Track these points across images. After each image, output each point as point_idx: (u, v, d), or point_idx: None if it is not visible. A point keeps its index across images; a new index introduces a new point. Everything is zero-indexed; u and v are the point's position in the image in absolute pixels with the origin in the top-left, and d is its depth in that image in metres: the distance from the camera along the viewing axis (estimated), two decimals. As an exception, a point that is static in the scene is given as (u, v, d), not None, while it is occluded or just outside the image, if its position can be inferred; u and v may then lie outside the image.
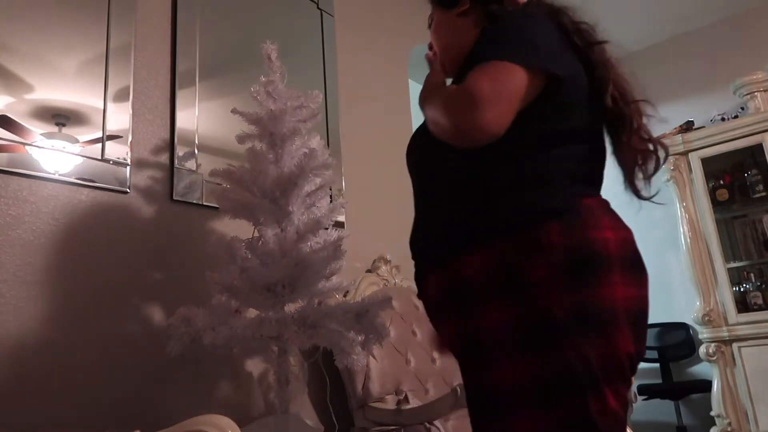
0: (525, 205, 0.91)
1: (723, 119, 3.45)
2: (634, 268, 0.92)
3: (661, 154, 1.01)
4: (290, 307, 1.48)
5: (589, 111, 0.98)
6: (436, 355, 2.18)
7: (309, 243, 1.52)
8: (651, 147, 1.00)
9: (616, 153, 1.03)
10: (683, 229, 3.37)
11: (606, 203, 0.98)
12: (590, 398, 0.83)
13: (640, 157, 1.01)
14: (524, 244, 0.87)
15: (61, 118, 1.52)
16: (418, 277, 1.05)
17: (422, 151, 1.08)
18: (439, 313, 1.01)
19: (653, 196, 1.03)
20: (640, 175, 1.02)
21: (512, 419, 0.86)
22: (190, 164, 1.81)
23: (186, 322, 1.39)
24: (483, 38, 0.98)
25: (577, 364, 0.83)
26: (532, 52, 0.91)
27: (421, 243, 1.04)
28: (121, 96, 1.67)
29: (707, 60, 3.83)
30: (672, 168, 3.44)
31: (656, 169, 1.01)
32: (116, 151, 1.62)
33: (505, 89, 0.87)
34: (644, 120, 1.00)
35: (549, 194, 0.91)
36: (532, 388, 0.84)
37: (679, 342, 3.61)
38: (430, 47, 1.21)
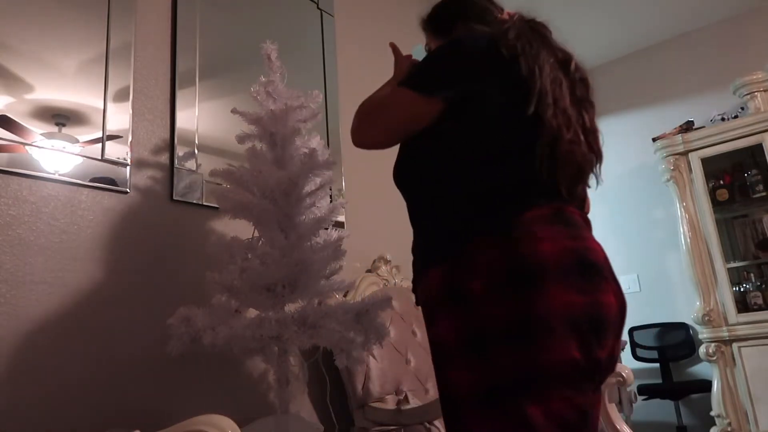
0: (461, 225, 0.99)
1: (723, 119, 3.45)
2: (581, 276, 0.93)
3: (593, 166, 1.07)
4: (290, 307, 1.48)
5: (523, 124, 1.00)
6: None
7: (309, 243, 1.52)
8: (577, 158, 1.02)
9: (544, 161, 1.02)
10: (683, 229, 3.37)
11: (552, 213, 0.98)
12: (527, 404, 0.88)
13: (566, 166, 1.01)
14: (462, 262, 0.96)
15: (61, 118, 1.52)
16: (413, 287, 1.15)
17: (396, 178, 1.20)
18: (424, 320, 1.10)
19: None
20: (565, 183, 1.03)
21: (462, 421, 0.94)
22: (190, 164, 1.81)
23: (186, 322, 1.39)
24: None
25: (507, 370, 0.89)
26: (426, 77, 1.09)
27: (414, 254, 1.14)
28: (121, 96, 1.67)
29: (707, 60, 3.83)
30: (672, 168, 3.44)
31: (579, 179, 1.05)
32: (116, 151, 1.62)
33: (386, 109, 1.13)
34: (570, 132, 1.01)
35: (481, 213, 0.98)
36: (475, 394, 0.92)
37: (679, 342, 3.62)
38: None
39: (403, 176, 1.18)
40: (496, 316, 0.90)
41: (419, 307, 1.09)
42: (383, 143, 1.16)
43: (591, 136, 1.07)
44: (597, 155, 1.09)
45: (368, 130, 1.17)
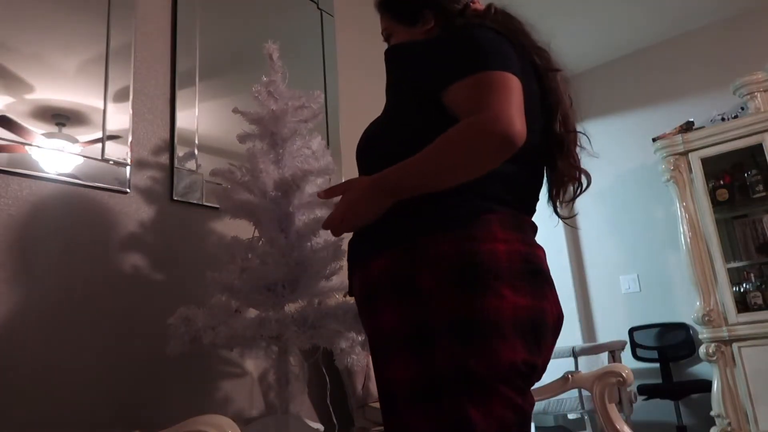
0: (423, 216, 0.94)
1: (723, 119, 3.45)
2: (529, 280, 0.93)
3: (584, 180, 1.09)
4: (290, 307, 1.48)
5: (535, 132, 0.97)
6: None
7: (309, 243, 1.52)
8: (577, 174, 1.08)
9: (547, 173, 1.10)
10: (683, 229, 3.36)
11: (512, 217, 0.97)
12: (468, 402, 0.86)
13: (566, 180, 1.08)
14: (415, 254, 0.92)
15: (61, 118, 1.52)
16: (349, 276, 1.11)
17: (363, 151, 1.12)
18: (359, 310, 1.06)
19: (572, 217, 1.14)
20: (562, 196, 1.10)
21: (400, 415, 0.91)
22: (190, 164, 1.81)
23: (186, 322, 1.39)
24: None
25: (452, 368, 0.87)
26: (497, 58, 0.95)
27: (351, 244, 1.09)
28: (121, 96, 1.67)
29: (707, 60, 3.83)
30: (672, 168, 3.44)
31: (577, 193, 1.10)
32: (116, 151, 1.62)
33: (506, 91, 0.93)
34: (576, 148, 1.08)
35: (447, 208, 0.94)
36: (415, 390, 0.89)
37: (679, 342, 3.62)
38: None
39: (370, 152, 1.08)
40: (444, 311, 0.88)
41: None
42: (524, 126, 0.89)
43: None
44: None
45: (511, 113, 0.87)
